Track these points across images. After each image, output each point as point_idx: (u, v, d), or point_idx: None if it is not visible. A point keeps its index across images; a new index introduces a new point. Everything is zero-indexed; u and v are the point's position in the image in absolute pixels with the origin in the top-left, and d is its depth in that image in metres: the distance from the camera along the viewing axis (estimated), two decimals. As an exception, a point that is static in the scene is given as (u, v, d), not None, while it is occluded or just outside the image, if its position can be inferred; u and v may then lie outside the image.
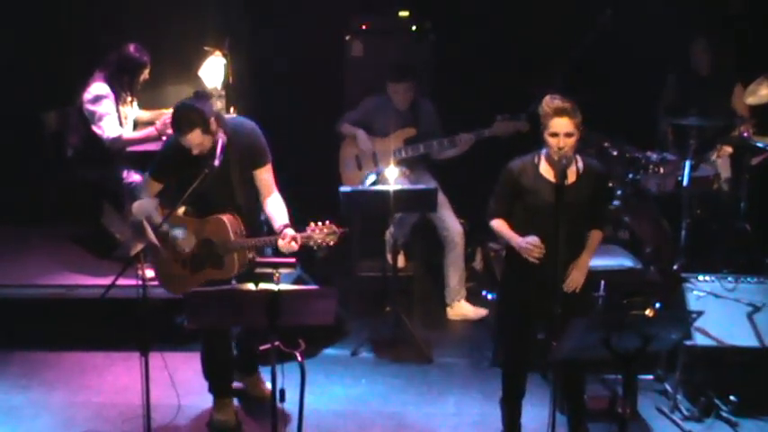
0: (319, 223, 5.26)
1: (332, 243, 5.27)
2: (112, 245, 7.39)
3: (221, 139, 5.41)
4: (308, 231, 5.26)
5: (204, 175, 5.32)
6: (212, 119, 5.34)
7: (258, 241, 5.46)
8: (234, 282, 5.42)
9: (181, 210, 5.52)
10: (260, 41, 7.83)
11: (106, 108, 6.94)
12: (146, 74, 7.14)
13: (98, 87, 6.97)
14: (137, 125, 7.28)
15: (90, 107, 6.95)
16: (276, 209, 5.51)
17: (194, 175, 5.29)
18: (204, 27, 7.79)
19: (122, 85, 7.07)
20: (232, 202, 5.51)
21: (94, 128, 6.94)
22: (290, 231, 5.33)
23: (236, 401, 5.87)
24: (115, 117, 6.98)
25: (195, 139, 5.30)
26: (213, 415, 5.76)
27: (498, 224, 5.31)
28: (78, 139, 7.10)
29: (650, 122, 7.59)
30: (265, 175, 5.57)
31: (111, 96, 6.98)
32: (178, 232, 5.49)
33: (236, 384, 5.92)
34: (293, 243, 5.27)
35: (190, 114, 5.30)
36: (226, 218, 5.44)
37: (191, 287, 5.44)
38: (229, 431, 5.71)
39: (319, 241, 5.24)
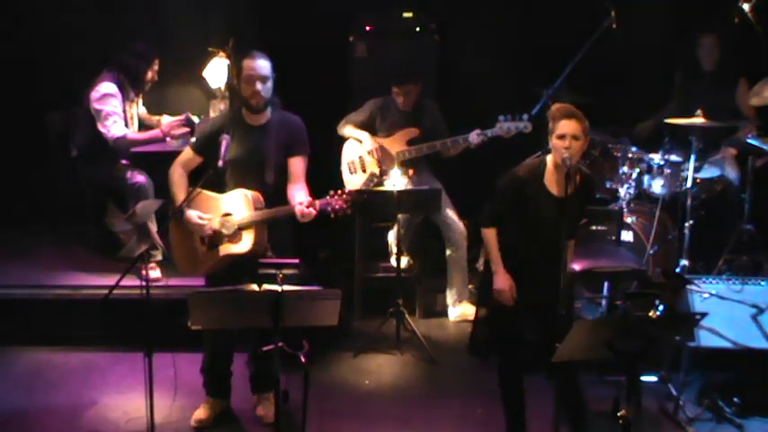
0: (338, 191, 5.30)
1: (349, 211, 5.29)
2: (117, 245, 7.40)
3: (225, 140, 5.45)
4: (327, 198, 5.29)
5: (209, 174, 5.38)
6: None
7: (276, 211, 5.44)
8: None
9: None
10: (264, 42, 7.81)
11: (113, 107, 6.91)
12: (154, 71, 7.14)
13: (106, 86, 6.94)
14: (140, 125, 7.28)
15: (97, 105, 6.92)
16: (298, 192, 5.52)
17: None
18: (209, 28, 7.79)
19: (131, 83, 7.07)
20: (260, 181, 5.54)
21: (100, 126, 6.91)
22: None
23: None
24: (121, 117, 6.96)
25: (264, 70, 5.46)
26: (195, 411, 5.80)
27: (490, 238, 5.34)
28: (84, 138, 7.07)
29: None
30: (298, 165, 5.60)
31: (119, 96, 6.97)
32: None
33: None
34: (311, 209, 5.28)
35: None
36: (249, 192, 5.49)
37: (208, 264, 5.49)
38: (202, 430, 5.76)
39: (337, 207, 5.26)
